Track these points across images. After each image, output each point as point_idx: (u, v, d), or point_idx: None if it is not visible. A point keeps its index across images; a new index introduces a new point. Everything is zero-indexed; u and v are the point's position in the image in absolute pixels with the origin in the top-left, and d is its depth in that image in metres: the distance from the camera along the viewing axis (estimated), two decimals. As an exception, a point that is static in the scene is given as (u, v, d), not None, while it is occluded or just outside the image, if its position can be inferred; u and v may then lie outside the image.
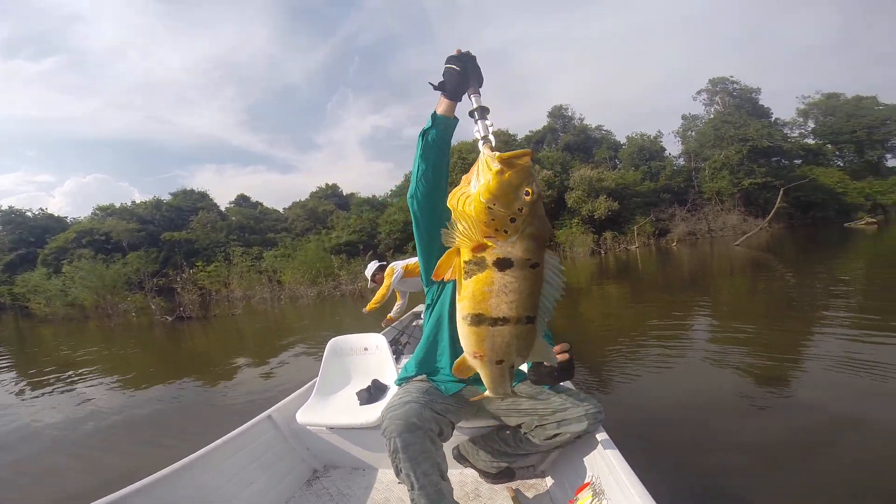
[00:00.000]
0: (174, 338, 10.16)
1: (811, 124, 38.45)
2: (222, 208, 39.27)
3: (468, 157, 21.64)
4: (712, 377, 3.62)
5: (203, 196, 38.89)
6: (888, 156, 36.95)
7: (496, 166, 0.85)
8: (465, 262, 0.93)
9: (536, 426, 1.49)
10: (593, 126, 37.03)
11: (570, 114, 37.23)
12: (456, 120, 1.32)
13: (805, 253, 13.64)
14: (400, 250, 25.45)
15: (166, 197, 37.72)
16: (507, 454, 1.67)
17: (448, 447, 1.58)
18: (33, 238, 32.72)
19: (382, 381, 2.26)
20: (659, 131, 36.61)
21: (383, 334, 2.76)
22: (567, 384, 1.67)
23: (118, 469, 2.97)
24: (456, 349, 1.50)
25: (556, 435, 1.46)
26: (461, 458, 1.83)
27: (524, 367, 1.34)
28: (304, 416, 2.04)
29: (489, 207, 0.86)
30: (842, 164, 36.72)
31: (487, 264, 0.90)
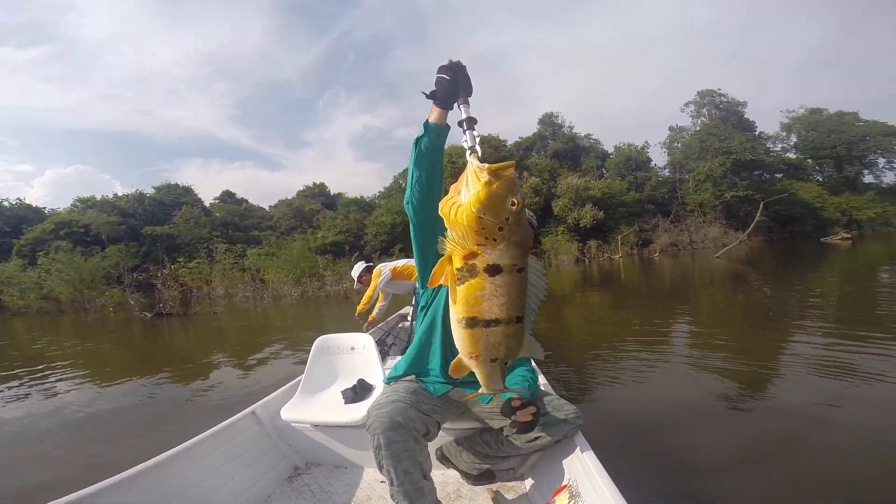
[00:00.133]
0: (152, 334, 9.96)
1: (794, 139, 39.65)
2: (207, 204, 38.65)
3: (457, 161, 21.70)
4: (690, 382, 3.72)
5: (187, 191, 38.21)
6: (865, 172, 38.26)
7: (485, 177, 0.89)
8: (458, 270, 0.97)
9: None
10: (582, 134, 37.62)
11: (560, 121, 37.78)
12: (447, 127, 1.36)
13: (783, 266, 14.05)
14: (386, 252, 25.33)
15: (149, 190, 37.04)
16: (488, 456, 1.71)
17: (431, 448, 1.61)
18: (9, 228, 31.70)
19: (368, 380, 2.27)
20: (646, 142, 37.41)
21: (369, 334, 2.78)
22: (548, 389, 1.94)
23: (76, 465, 2.93)
24: (447, 351, 1.54)
25: (536, 438, 1.51)
26: (444, 460, 1.86)
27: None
28: (288, 413, 2.04)
29: (480, 217, 0.90)
30: (821, 179, 37.85)
31: (479, 271, 0.95)
